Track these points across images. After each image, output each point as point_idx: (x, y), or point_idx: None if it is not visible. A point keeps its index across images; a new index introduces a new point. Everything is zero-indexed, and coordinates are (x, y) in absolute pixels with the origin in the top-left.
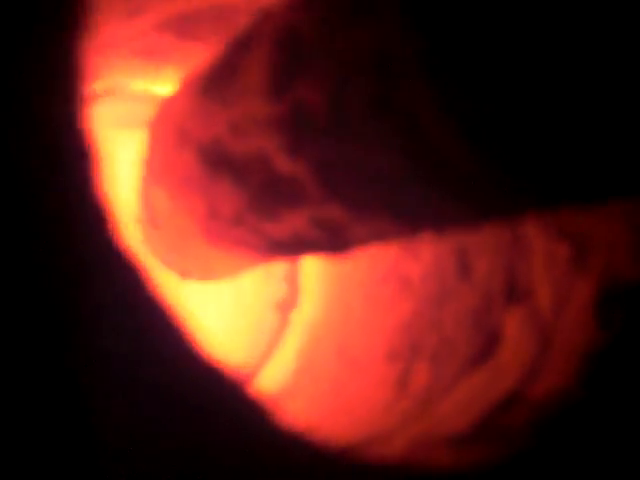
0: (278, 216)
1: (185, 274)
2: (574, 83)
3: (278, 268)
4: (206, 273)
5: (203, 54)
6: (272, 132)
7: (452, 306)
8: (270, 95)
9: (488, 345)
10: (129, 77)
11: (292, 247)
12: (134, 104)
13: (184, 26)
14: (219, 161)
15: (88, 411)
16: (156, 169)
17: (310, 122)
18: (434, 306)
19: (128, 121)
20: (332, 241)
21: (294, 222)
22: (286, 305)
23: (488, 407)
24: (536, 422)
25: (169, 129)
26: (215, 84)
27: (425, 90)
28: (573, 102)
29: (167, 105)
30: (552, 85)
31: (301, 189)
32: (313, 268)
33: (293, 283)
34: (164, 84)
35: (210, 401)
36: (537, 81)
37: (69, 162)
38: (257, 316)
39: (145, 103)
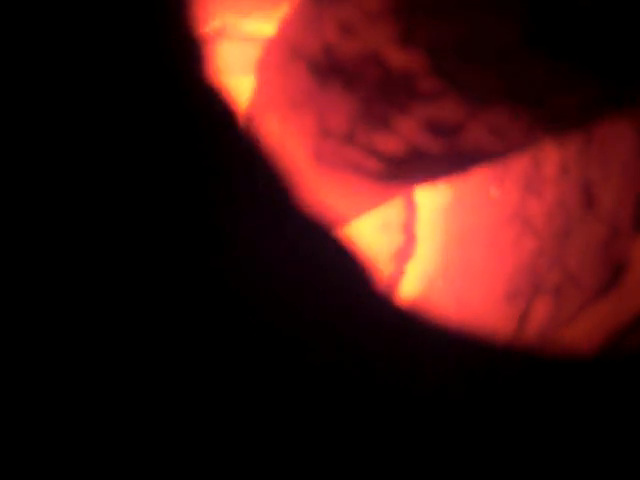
0: (391, 123)
1: None
2: None
3: (394, 217)
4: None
5: None
6: (384, 23)
7: (576, 240)
8: None
9: (614, 274)
10: (241, 16)
11: (405, 165)
12: (245, 46)
13: None
14: (329, 69)
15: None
16: (266, 95)
17: (423, 2)
18: (558, 242)
19: (239, 65)
20: (447, 151)
21: (407, 129)
22: (402, 255)
23: (614, 332)
24: None
25: (281, 48)
26: None
27: None
28: None
29: (279, 27)
30: None
31: (415, 83)
32: (431, 217)
33: (410, 233)
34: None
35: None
36: None
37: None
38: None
39: (256, 45)
